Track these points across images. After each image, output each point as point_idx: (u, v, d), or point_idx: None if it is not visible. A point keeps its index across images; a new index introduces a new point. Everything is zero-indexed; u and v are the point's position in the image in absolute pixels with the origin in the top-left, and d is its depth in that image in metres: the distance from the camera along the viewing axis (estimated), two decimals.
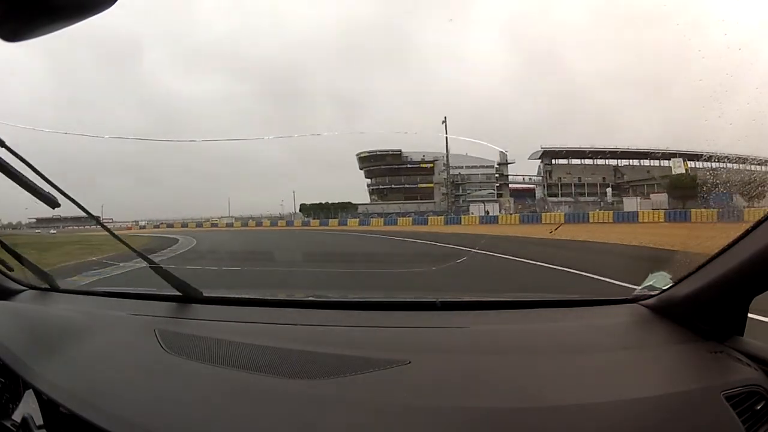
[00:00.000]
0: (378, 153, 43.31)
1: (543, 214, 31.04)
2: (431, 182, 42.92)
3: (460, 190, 41.71)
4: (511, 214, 33.95)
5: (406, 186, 43.53)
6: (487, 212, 34.98)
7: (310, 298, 1.46)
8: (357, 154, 44.68)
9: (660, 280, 1.23)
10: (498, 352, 1.03)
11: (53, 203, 1.15)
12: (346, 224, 35.27)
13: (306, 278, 6.54)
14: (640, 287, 1.27)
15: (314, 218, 39.18)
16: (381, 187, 44.97)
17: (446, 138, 36.76)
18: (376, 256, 11.40)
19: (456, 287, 4.24)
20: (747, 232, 0.91)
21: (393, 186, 44.25)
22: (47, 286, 1.59)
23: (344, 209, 41.15)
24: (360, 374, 0.87)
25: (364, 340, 1.12)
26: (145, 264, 1.43)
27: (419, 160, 43.23)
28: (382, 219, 36.05)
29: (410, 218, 35.52)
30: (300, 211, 42.24)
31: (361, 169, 45.66)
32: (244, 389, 0.85)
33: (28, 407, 0.89)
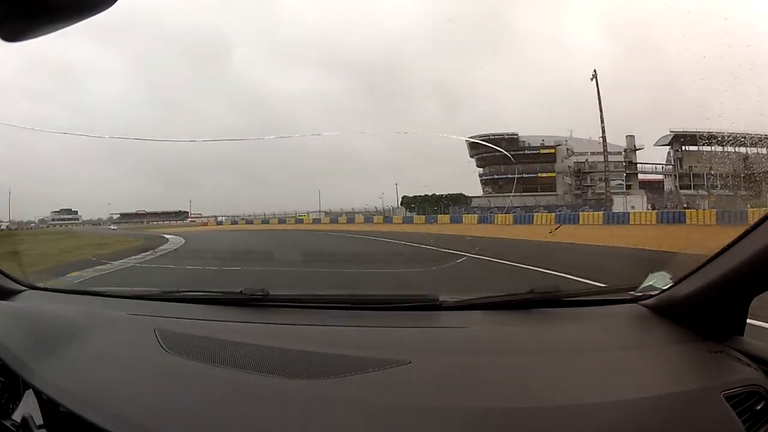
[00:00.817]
0: (491, 137, 33.75)
1: (749, 210, 16.61)
2: (552, 171, 34.94)
3: (589, 180, 33.92)
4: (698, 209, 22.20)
5: (524, 176, 35.01)
6: (652, 206, 27.05)
7: (311, 299, 1.46)
8: (467, 139, 37.46)
9: (660, 280, 1.23)
10: (498, 352, 1.03)
11: None
12: (460, 221, 26.98)
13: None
14: (640, 287, 1.27)
15: (418, 213, 31.59)
16: (495, 177, 36.66)
17: (599, 96, 27.19)
18: None
19: None
20: (747, 232, 0.91)
21: (509, 176, 35.53)
22: (47, 286, 1.59)
23: (455, 202, 32.59)
24: (360, 374, 0.87)
25: (364, 340, 1.12)
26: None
27: (538, 145, 35.56)
28: (511, 215, 25.93)
29: (549, 214, 24.41)
30: (401, 204, 34.08)
31: (472, 156, 37.26)
32: (244, 389, 0.85)
33: (28, 407, 0.89)
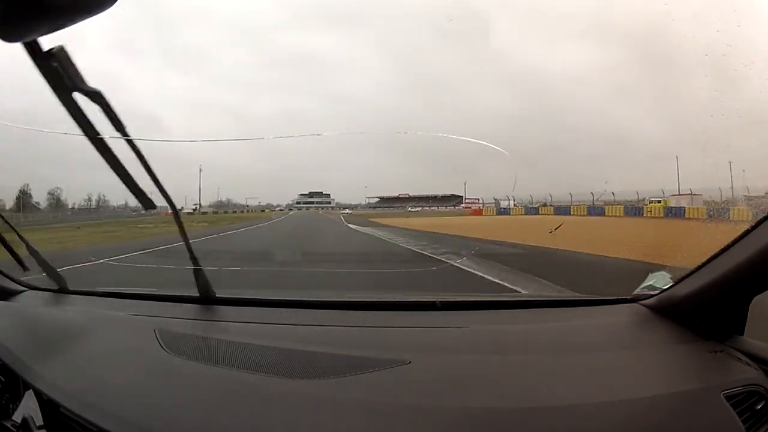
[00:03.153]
0: None
1: None
2: None
3: None
4: None
5: None
6: None
7: (311, 299, 1.46)
8: None
9: (660, 280, 1.23)
10: (498, 352, 1.03)
11: (150, 205, 1.11)
12: None
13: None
14: (640, 287, 1.27)
15: None
16: None
17: None
18: None
19: None
20: (747, 232, 0.91)
21: None
22: (47, 287, 1.59)
23: None
24: (360, 374, 0.88)
25: (364, 340, 1.12)
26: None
27: None
28: None
29: None
30: None
31: None
32: (244, 389, 0.85)
33: (28, 407, 0.89)
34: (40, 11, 0.59)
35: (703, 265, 1.02)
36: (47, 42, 0.76)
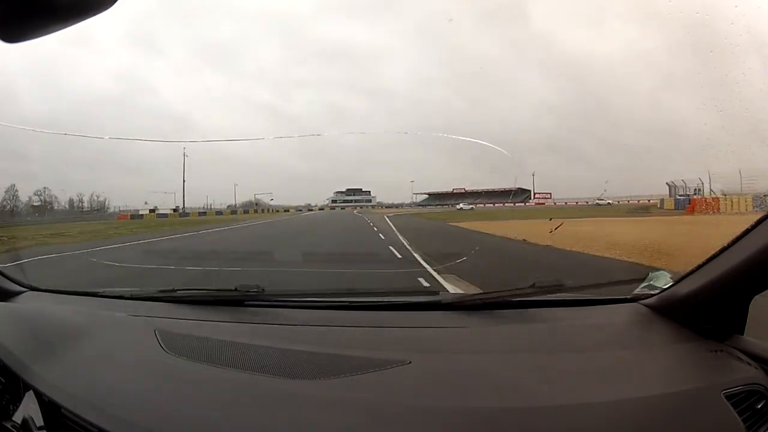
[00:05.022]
0: None
1: None
2: None
3: None
4: None
5: None
6: None
7: (311, 299, 1.46)
8: None
9: (660, 279, 1.23)
10: (498, 351, 1.03)
11: None
12: None
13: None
14: (640, 286, 1.27)
15: None
16: None
17: None
18: None
19: None
20: (746, 232, 0.91)
21: None
22: (47, 287, 1.59)
23: None
24: (360, 374, 0.88)
25: (364, 340, 1.12)
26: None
27: None
28: None
29: None
30: None
31: None
32: (244, 389, 0.85)
33: (28, 408, 0.89)
34: (40, 11, 0.59)
35: (703, 264, 1.02)
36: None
